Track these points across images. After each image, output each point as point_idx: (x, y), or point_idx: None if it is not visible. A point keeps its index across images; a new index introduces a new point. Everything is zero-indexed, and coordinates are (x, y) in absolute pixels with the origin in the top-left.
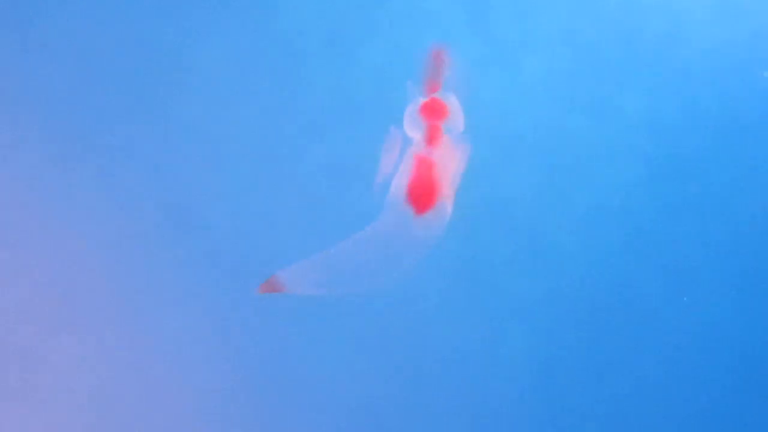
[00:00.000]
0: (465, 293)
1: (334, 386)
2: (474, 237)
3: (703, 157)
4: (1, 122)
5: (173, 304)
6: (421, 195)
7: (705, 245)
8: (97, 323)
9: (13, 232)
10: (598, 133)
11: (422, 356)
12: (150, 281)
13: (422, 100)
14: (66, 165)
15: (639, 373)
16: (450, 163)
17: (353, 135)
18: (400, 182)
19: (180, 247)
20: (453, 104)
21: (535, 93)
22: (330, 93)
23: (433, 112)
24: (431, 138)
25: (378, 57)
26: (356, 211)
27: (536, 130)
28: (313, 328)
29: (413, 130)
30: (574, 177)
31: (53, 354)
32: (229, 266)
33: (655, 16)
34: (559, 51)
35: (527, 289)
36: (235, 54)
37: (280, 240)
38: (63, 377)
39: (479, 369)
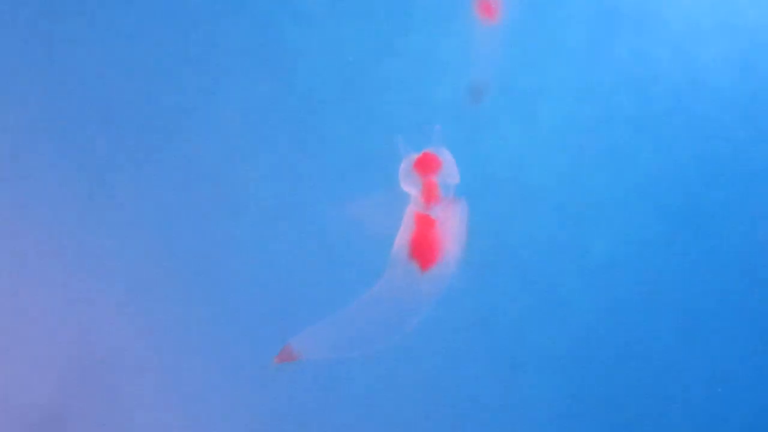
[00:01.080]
0: (478, 345)
1: None
2: (488, 288)
3: (720, 208)
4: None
5: (185, 356)
6: (425, 251)
7: (724, 297)
8: (113, 384)
9: (21, 291)
10: (613, 184)
11: (435, 411)
12: (159, 335)
13: (415, 156)
14: (77, 217)
15: (657, 427)
16: (450, 219)
17: (367, 186)
18: (403, 239)
19: (187, 298)
20: (446, 157)
21: (549, 144)
22: (345, 145)
23: (427, 166)
24: (428, 193)
25: (393, 109)
26: (370, 264)
27: (551, 181)
28: (322, 386)
29: (409, 186)
30: (589, 228)
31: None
32: (240, 321)
33: (670, 66)
34: (574, 102)
35: (542, 341)
36: (250, 109)
37: (293, 292)
38: None
39: (494, 423)
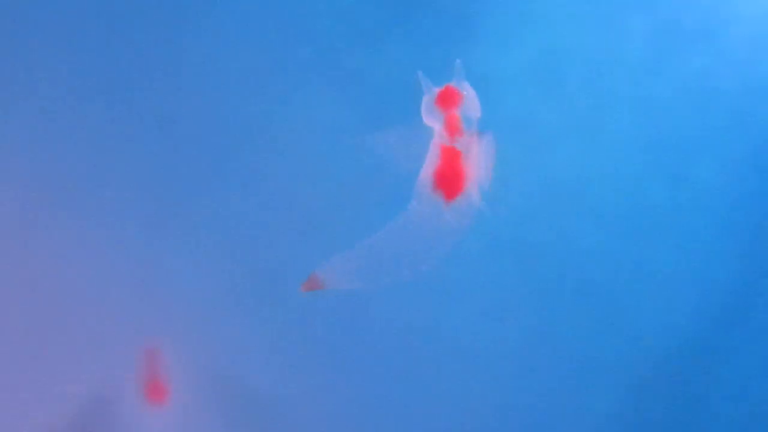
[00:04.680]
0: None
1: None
2: (549, 302)
3: None
4: None
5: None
6: (449, 182)
7: None
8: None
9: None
10: (676, 199)
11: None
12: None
13: (437, 90)
14: None
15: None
16: (474, 152)
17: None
18: (427, 171)
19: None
20: (467, 91)
21: (611, 159)
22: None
23: (448, 100)
24: (451, 127)
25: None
26: (395, 198)
27: (613, 195)
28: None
29: (431, 120)
30: (654, 244)
31: None
32: (264, 254)
33: (731, 82)
34: (635, 117)
35: (604, 346)
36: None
37: (318, 225)
38: None
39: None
